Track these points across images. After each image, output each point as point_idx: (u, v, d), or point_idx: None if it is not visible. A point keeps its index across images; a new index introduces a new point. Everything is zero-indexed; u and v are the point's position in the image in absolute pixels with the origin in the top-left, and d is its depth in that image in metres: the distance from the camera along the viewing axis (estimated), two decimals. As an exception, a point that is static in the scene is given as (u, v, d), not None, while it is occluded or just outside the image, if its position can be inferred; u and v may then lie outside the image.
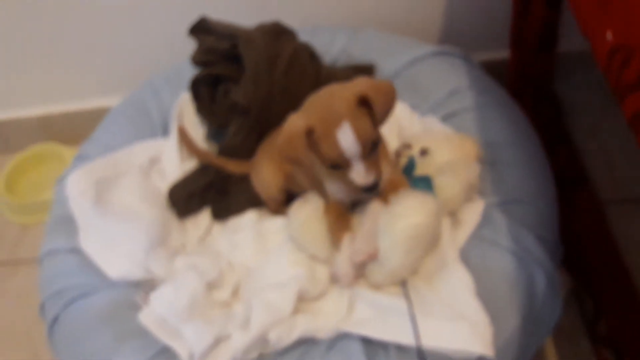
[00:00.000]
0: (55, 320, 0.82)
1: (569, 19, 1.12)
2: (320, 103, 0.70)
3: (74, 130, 1.38)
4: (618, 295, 0.95)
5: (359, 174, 0.70)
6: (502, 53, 1.24)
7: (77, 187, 0.89)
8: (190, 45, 1.00)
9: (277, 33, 0.97)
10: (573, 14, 0.77)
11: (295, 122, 0.69)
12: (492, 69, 1.20)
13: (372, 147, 0.70)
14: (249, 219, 0.94)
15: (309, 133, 0.68)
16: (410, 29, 1.20)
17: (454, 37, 1.25)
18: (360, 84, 0.70)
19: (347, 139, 0.67)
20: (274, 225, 0.91)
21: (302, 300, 0.78)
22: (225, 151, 0.98)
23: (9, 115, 1.39)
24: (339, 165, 0.70)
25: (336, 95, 0.69)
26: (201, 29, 0.98)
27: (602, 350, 0.91)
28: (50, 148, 1.38)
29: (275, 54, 0.94)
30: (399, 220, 0.71)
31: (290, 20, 1.03)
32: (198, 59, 0.97)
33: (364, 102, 0.68)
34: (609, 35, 0.64)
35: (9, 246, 1.28)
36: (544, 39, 1.13)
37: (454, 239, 0.78)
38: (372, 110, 0.69)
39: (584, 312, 0.97)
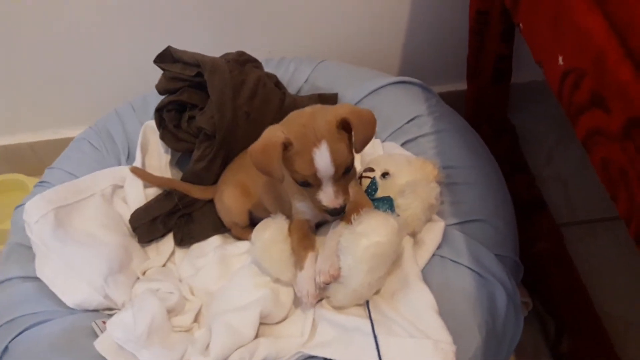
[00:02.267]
0: (5, 351, 0.78)
1: (520, 52, 1.18)
2: (302, 120, 0.70)
3: (39, 161, 1.36)
4: (578, 314, 0.97)
5: (328, 197, 0.70)
6: (460, 85, 1.29)
7: (36, 213, 0.87)
8: (157, 77, 1.01)
9: (243, 61, 0.99)
10: (526, 41, 0.82)
11: (273, 133, 0.69)
12: (451, 101, 1.24)
13: (344, 172, 0.71)
14: (212, 243, 0.94)
15: (286, 146, 0.68)
16: (372, 61, 1.24)
17: (413, 70, 1.30)
18: (343, 109, 0.71)
19: (323, 159, 0.68)
20: (238, 249, 0.91)
21: (265, 325, 0.77)
22: (190, 176, 0.98)
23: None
24: (309, 184, 0.71)
25: (318, 116, 0.70)
26: (167, 58, 0.99)
27: (565, 370, 0.93)
28: (14, 178, 1.34)
29: (240, 81, 0.95)
30: (361, 238, 0.71)
31: (255, 53, 1.06)
32: (162, 87, 0.98)
33: (344, 127, 0.70)
34: (560, 60, 0.68)
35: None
36: (498, 72, 1.19)
37: (416, 259, 0.79)
38: (350, 135, 0.71)
39: (546, 332, 0.99)
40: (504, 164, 1.23)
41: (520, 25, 0.84)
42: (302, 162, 0.68)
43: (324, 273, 0.73)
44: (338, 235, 0.75)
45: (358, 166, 0.96)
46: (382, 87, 1.07)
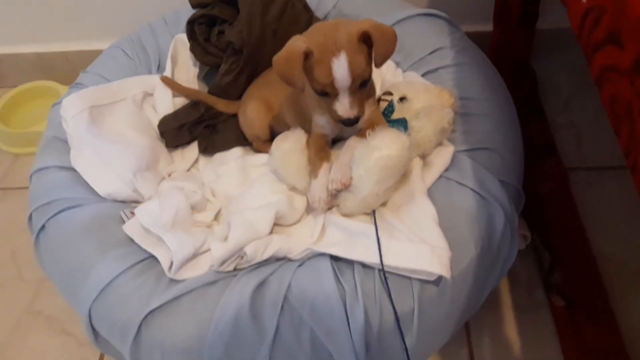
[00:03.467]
0: (42, 229, 0.86)
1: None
2: (324, 30, 0.73)
3: (72, 70, 1.40)
4: (573, 250, 1.02)
5: (344, 106, 0.74)
6: (486, 26, 1.30)
7: (73, 108, 0.93)
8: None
9: (273, -19, 1.02)
10: None
11: (296, 42, 0.73)
12: (476, 41, 1.25)
13: (361, 84, 0.74)
14: (234, 154, 0.99)
15: (307, 55, 0.72)
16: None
17: (440, 6, 1.30)
18: (366, 22, 0.73)
19: (340, 69, 0.71)
20: (258, 160, 0.96)
21: (279, 226, 0.84)
22: (216, 90, 1.03)
23: (6, 50, 1.41)
24: (327, 94, 0.74)
25: (341, 27, 0.73)
26: (201, -28, 1.02)
27: (555, 298, 0.98)
28: (47, 84, 1.41)
29: (270, -1, 0.98)
30: (373, 151, 0.76)
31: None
32: (195, 1, 1.01)
33: (365, 40, 0.72)
34: None
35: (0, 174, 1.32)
36: (525, 14, 1.19)
37: (423, 178, 0.83)
38: (370, 50, 0.73)
39: (541, 264, 1.04)
40: (521, 107, 1.25)
41: (550, -38, 0.85)
42: (321, 71, 0.72)
43: (336, 181, 0.79)
44: (352, 149, 0.80)
45: (378, 90, 1.00)
46: (408, 17, 1.08)
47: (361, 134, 0.82)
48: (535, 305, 1.02)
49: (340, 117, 0.75)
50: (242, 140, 1.01)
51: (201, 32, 1.02)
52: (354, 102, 0.75)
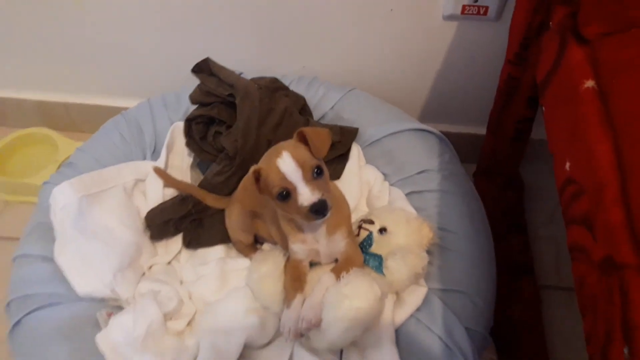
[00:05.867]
0: (17, 323, 0.88)
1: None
2: (271, 150, 0.81)
3: (70, 121, 1.44)
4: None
5: (305, 195, 0.76)
6: (481, 130, 1.32)
7: (62, 199, 0.95)
8: (190, 71, 1.06)
9: (274, 89, 1.04)
10: (545, 127, 0.85)
11: (248, 172, 0.79)
12: (470, 142, 1.28)
13: (315, 173, 0.77)
14: (216, 253, 1.02)
15: (257, 174, 0.77)
16: (399, 95, 1.28)
17: (437, 110, 1.33)
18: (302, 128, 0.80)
19: (286, 163, 0.76)
20: (238, 265, 0.99)
21: (249, 347, 0.86)
22: (207, 186, 1.05)
23: (8, 95, 1.43)
24: (288, 193, 0.76)
25: (282, 143, 0.80)
26: (204, 69, 1.04)
27: None
28: (45, 132, 1.42)
29: (269, 109, 1.00)
30: (344, 300, 0.78)
31: (291, 64, 1.08)
32: (196, 99, 1.03)
33: (304, 140, 0.78)
34: (567, 166, 0.71)
35: (-12, 220, 1.33)
36: (518, 131, 1.21)
37: (393, 319, 0.86)
38: (309, 147, 0.78)
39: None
40: (505, 220, 1.27)
41: (544, 108, 0.87)
42: (272, 174, 0.77)
43: (307, 320, 0.81)
44: (325, 287, 0.83)
45: (364, 207, 1.03)
46: (401, 131, 1.10)
47: (336, 271, 0.85)
48: None
49: (307, 207, 0.75)
50: (226, 239, 1.03)
51: (198, 131, 1.04)
52: (314, 189, 0.76)
